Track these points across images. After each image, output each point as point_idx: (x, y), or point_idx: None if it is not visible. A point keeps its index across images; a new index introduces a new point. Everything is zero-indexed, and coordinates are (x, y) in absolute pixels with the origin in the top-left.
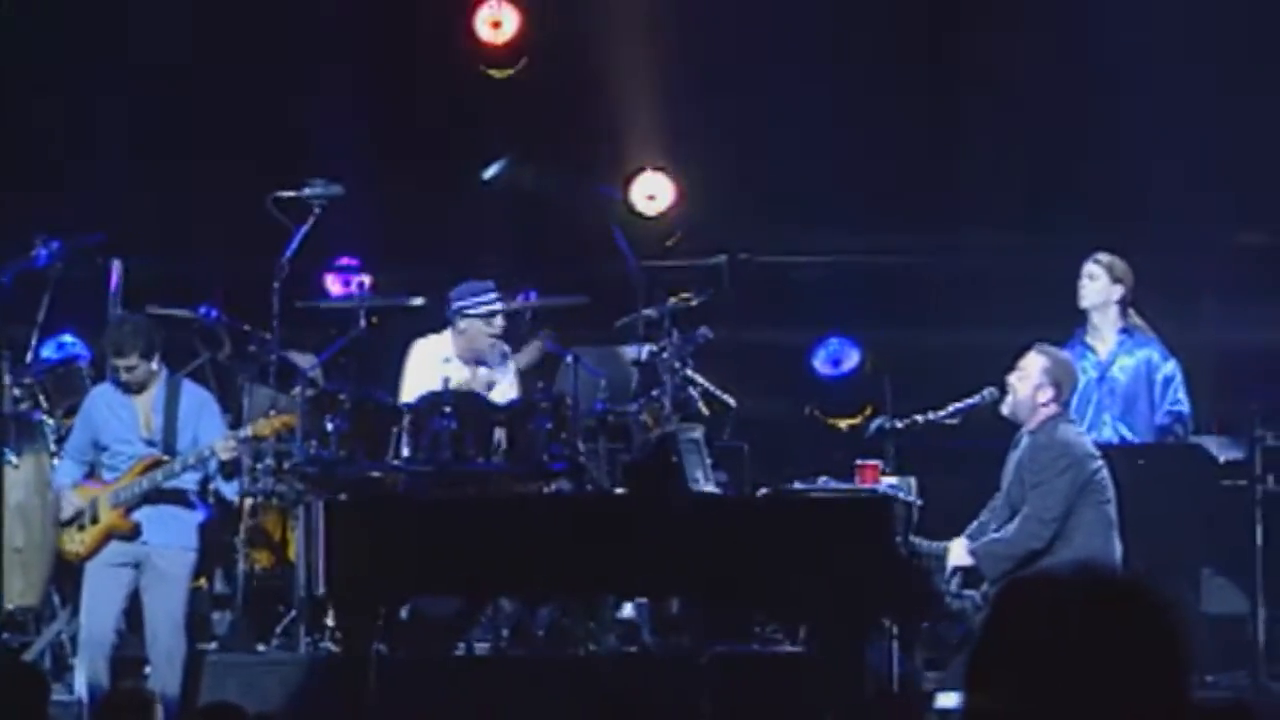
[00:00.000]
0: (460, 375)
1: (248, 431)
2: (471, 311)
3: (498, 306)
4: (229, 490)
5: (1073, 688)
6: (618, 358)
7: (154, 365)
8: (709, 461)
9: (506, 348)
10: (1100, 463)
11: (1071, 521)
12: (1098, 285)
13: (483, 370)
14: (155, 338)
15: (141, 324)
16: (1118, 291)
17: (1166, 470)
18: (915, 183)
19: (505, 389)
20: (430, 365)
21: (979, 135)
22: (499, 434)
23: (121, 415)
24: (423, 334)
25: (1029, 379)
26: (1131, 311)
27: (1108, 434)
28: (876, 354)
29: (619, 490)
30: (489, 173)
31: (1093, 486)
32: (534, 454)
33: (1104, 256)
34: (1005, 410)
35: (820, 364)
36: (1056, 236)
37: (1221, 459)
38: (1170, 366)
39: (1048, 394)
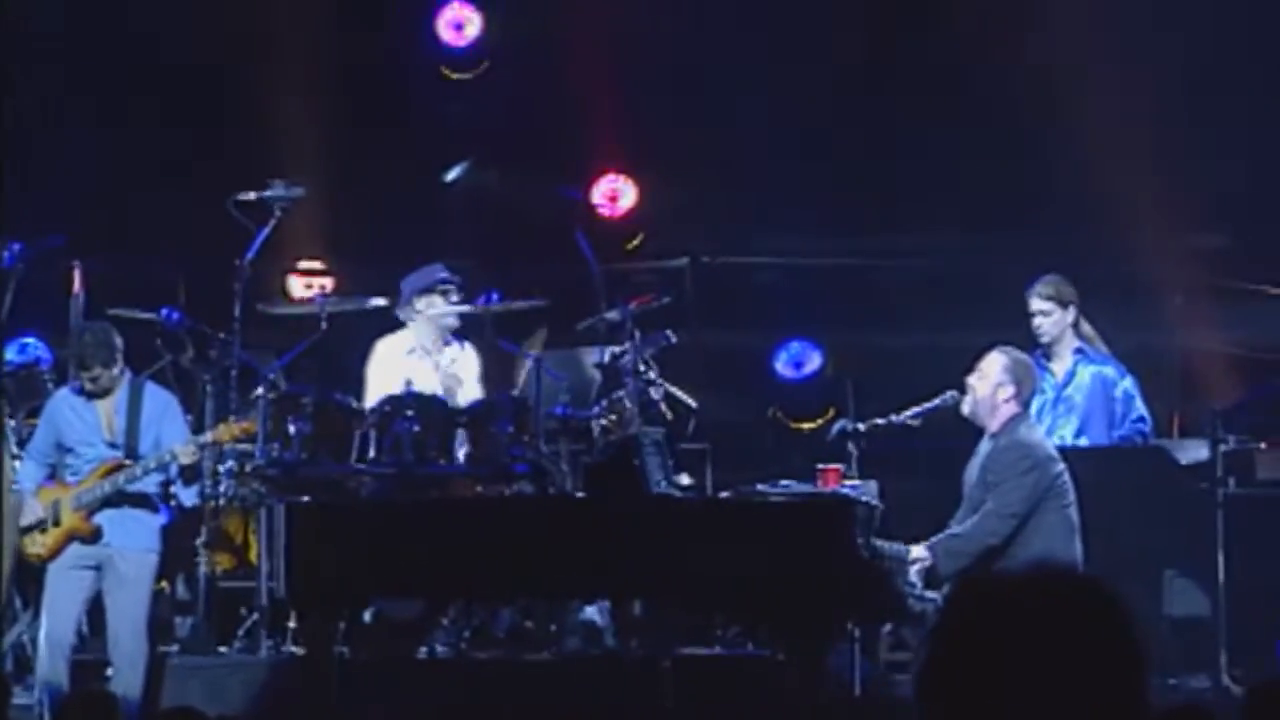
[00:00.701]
0: (424, 370)
1: (208, 437)
2: (425, 286)
3: (447, 275)
4: (187, 496)
5: (1027, 691)
6: (580, 360)
7: (116, 371)
8: (671, 464)
9: (468, 343)
10: (1062, 466)
11: (1032, 524)
12: (1053, 319)
13: (445, 356)
14: (117, 345)
15: (103, 334)
16: (1070, 315)
17: (1128, 473)
18: (878, 185)
19: (471, 381)
20: (393, 363)
21: (943, 137)
22: (461, 436)
23: (85, 417)
24: (383, 334)
25: (989, 378)
26: (1084, 324)
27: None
28: (838, 357)
29: (581, 493)
30: (451, 175)
31: (1055, 490)
32: (496, 456)
33: (1045, 287)
34: (965, 411)
35: (782, 367)
36: (1018, 238)
37: (1183, 461)
38: (1127, 382)
39: (1008, 392)
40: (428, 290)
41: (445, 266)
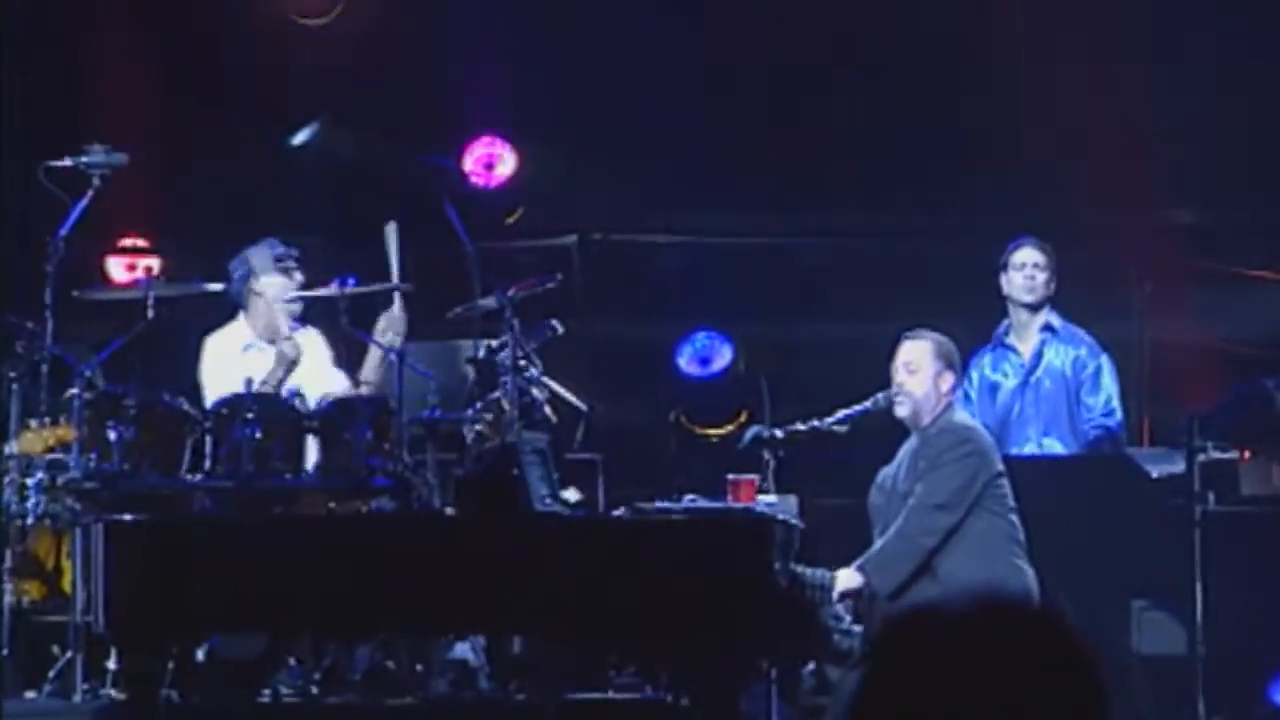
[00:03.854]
0: (265, 364)
1: (14, 448)
2: (262, 264)
3: (286, 249)
4: None
5: None
6: (450, 355)
7: None
8: (556, 476)
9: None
10: (1003, 467)
11: (966, 532)
12: (1047, 278)
13: (286, 342)
14: None
15: None
16: (1053, 285)
17: (1090, 486)
18: (796, 153)
19: (317, 365)
20: (229, 360)
21: (871, 98)
22: (311, 444)
23: None
24: (212, 330)
25: (924, 371)
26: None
27: (1030, 450)
28: (752, 351)
29: (451, 509)
30: (299, 138)
31: (995, 490)
32: (352, 467)
33: (1043, 244)
34: (903, 414)
35: (686, 362)
36: (959, 217)
37: (1154, 474)
38: (1102, 363)
39: (949, 380)
40: (266, 269)
41: (280, 240)
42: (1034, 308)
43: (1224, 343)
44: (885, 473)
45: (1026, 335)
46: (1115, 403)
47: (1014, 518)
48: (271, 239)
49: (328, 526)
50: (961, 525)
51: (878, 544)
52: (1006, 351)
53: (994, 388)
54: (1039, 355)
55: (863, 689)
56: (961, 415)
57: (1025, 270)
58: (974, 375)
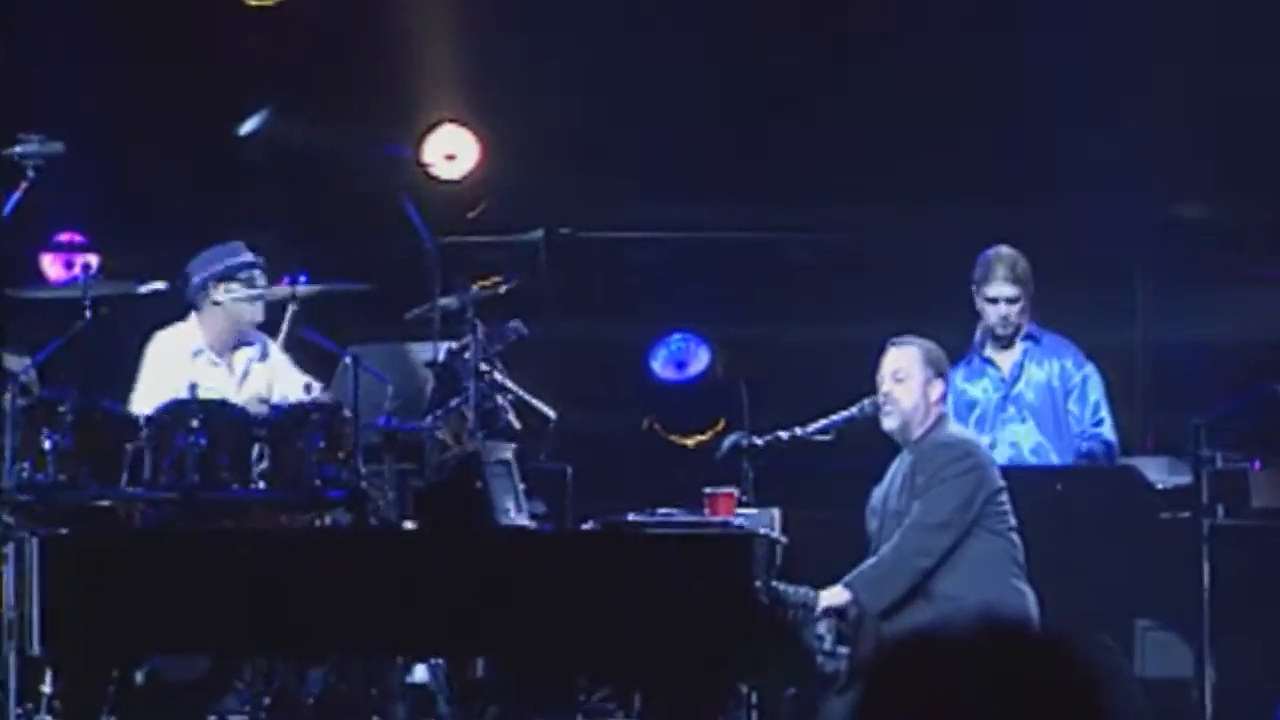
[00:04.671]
0: (215, 377)
1: None
2: (224, 271)
3: (252, 258)
4: None
5: None
6: (408, 358)
7: None
8: (522, 488)
9: (268, 339)
10: (1004, 482)
11: (965, 551)
12: (1021, 307)
13: (240, 359)
14: None
15: None
16: (1027, 311)
17: (1091, 499)
18: (778, 143)
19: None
20: (175, 363)
21: (855, 86)
22: (260, 453)
23: None
24: (163, 325)
25: (913, 380)
26: None
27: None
28: (730, 354)
29: (410, 523)
30: (247, 127)
31: (996, 507)
32: (304, 478)
33: (1017, 266)
34: (891, 427)
35: (661, 366)
36: (947, 212)
37: (1158, 485)
38: (1088, 372)
39: (939, 388)
40: (228, 276)
41: (247, 246)
42: (1009, 339)
43: (1232, 344)
44: (877, 494)
45: (1008, 346)
46: (1105, 411)
47: (1014, 536)
48: (237, 244)
49: (278, 541)
50: (960, 545)
51: (869, 561)
52: (984, 365)
53: (971, 404)
54: (1020, 368)
55: (857, 715)
56: (956, 427)
57: (999, 306)
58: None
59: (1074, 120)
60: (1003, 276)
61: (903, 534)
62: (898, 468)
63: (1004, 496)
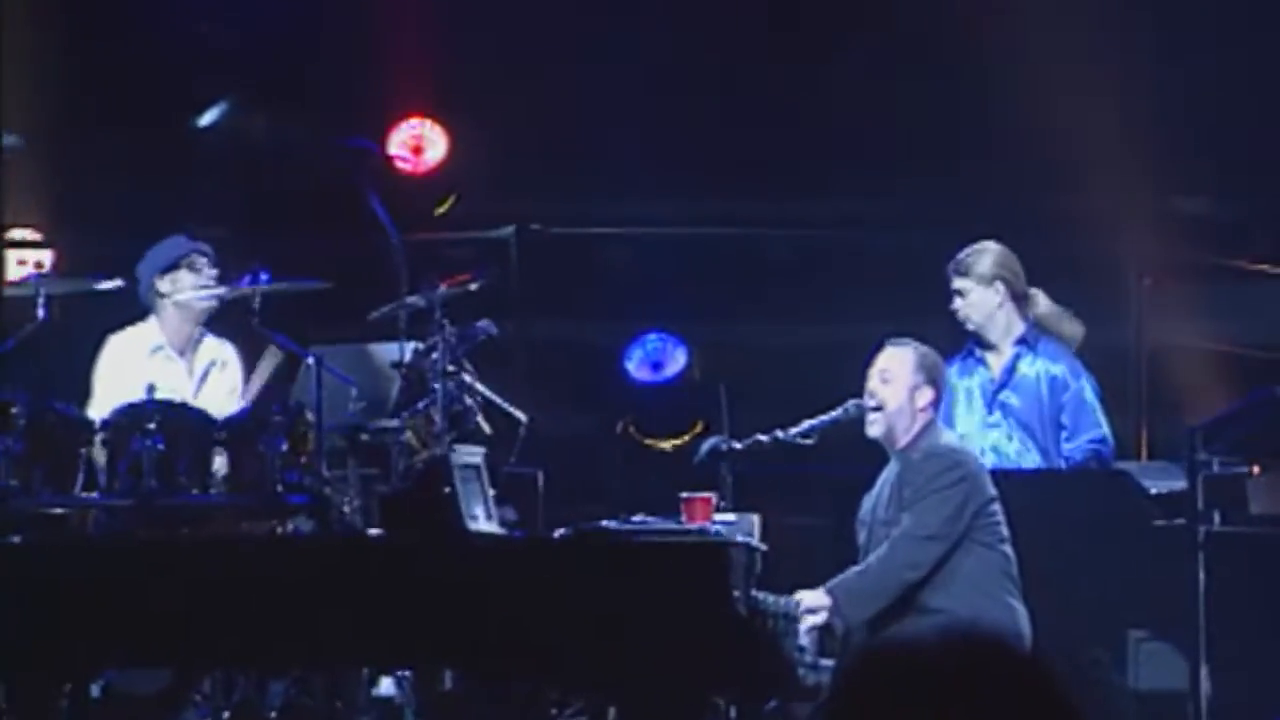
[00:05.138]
0: (173, 373)
1: None
2: (167, 262)
3: (194, 244)
4: None
5: None
6: (373, 359)
7: None
8: (492, 493)
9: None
10: (996, 492)
11: (955, 565)
12: (973, 299)
13: (201, 355)
14: None
15: None
16: (997, 293)
17: (1082, 505)
18: (756, 136)
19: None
20: (133, 363)
21: (838, 74)
22: (219, 457)
23: None
24: (120, 327)
25: (900, 382)
26: (1041, 300)
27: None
28: (708, 355)
29: (374, 530)
30: (205, 119)
31: (987, 519)
32: (265, 483)
33: (964, 258)
34: (876, 434)
35: (636, 367)
36: (937, 206)
37: (1153, 490)
38: (1084, 386)
39: (928, 395)
40: (172, 267)
41: (189, 235)
42: (989, 340)
43: (1230, 345)
44: (866, 504)
45: (998, 347)
46: (1101, 418)
47: (1007, 549)
48: (178, 236)
49: (238, 548)
50: (951, 560)
51: (854, 570)
52: (977, 363)
53: (965, 395)
54: (1009, 372)
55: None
56: (947, 436)
57: (953, 301)
58: None
59: (1069, 111)
60: (950, 270)
61: (891, 546)
62: (886, 477)
63: (996, 507)
